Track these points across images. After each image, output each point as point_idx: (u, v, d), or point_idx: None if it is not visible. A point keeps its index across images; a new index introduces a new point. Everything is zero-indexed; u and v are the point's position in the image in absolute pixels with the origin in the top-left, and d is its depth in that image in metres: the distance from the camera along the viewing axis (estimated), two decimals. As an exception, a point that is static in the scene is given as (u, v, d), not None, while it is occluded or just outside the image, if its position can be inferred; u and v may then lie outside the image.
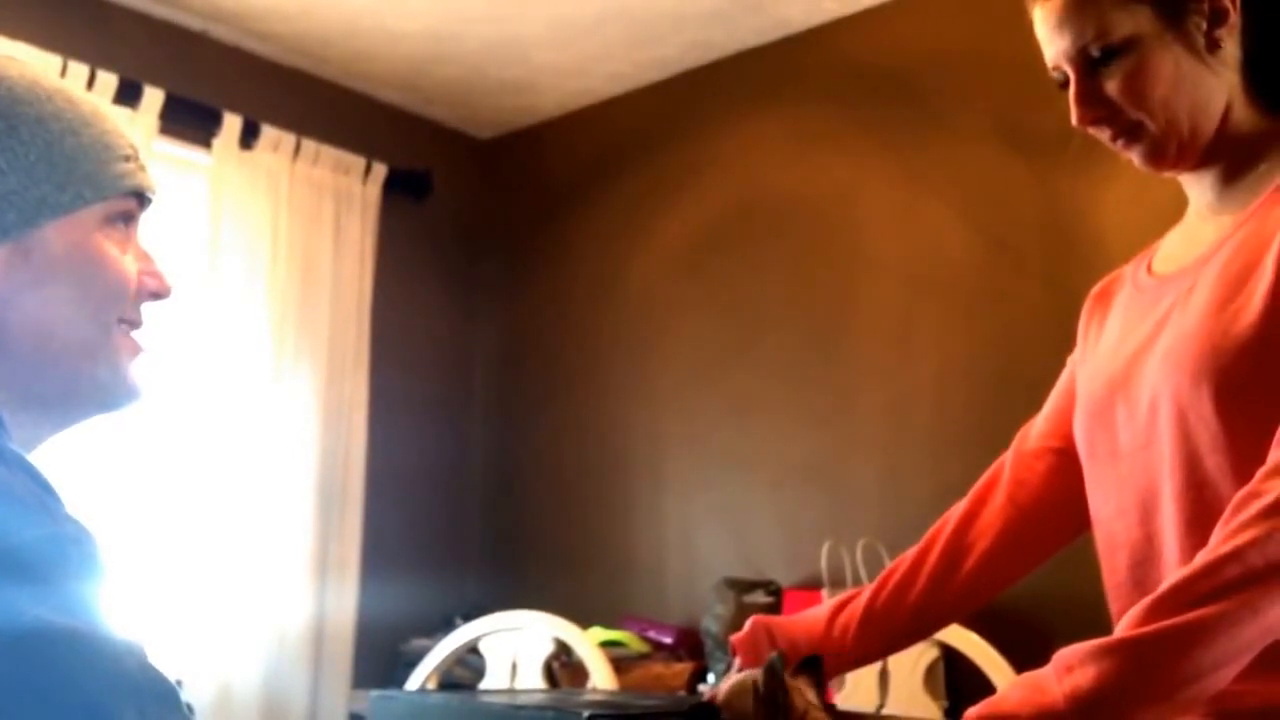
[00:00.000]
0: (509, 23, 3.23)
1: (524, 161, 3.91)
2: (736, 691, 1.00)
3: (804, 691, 1.02)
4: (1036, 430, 1.38)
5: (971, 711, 0.93)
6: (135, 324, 0.97)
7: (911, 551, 1.36)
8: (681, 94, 3.49)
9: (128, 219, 0.97)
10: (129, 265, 0.96)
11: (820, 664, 1.07)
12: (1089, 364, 1.28)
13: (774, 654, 0.99)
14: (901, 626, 1.34)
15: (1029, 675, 0.95)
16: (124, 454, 2.93)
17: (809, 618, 1.34)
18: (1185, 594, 0.91)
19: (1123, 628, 0.93)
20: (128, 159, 0.97)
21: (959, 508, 1.37)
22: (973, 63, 2.87)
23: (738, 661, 1.30)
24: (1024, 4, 1.21)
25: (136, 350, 0.97)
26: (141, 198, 0.98)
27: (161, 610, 2.98)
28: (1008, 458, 1.38)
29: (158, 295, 0.99)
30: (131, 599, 2.84)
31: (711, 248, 3.32)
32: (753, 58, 3.33)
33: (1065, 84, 1.18)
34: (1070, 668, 0.91)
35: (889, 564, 1.38)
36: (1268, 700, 1.02)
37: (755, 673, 1.00)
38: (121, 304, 0.95)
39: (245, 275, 3.18)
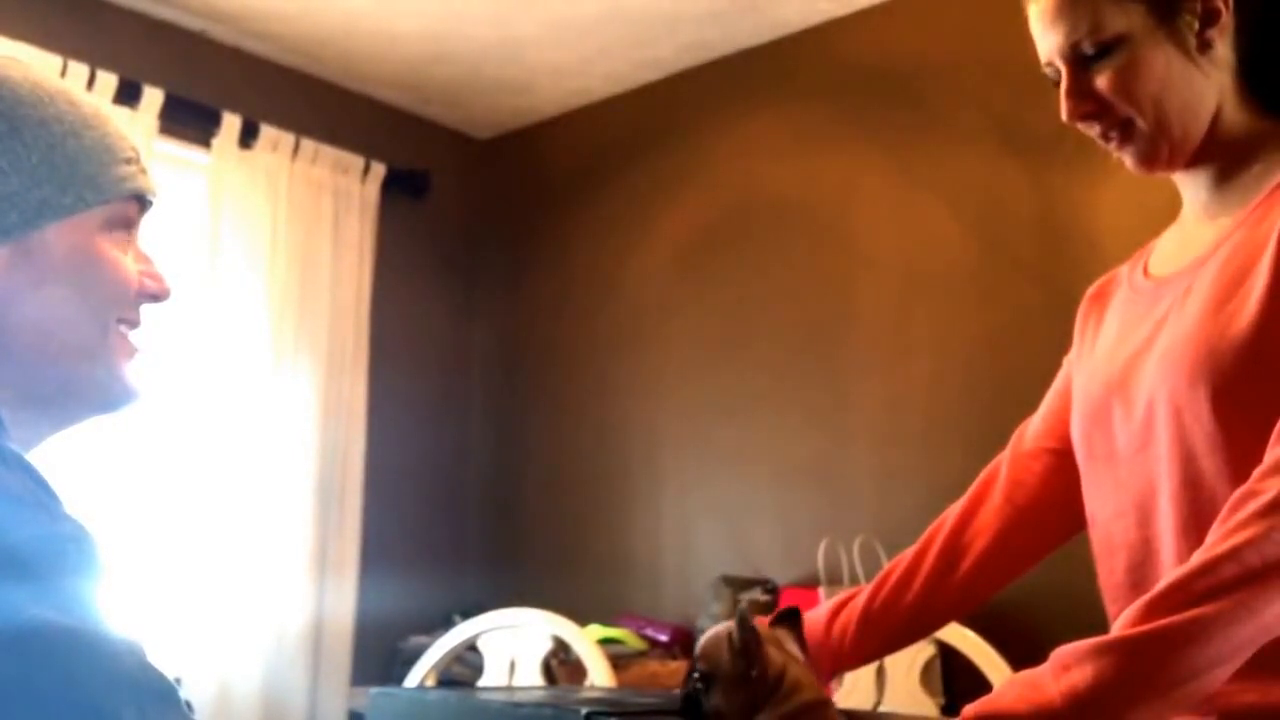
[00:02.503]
0: (507, 23, 3.23)
1: (522, 161, 3.92)
2: (713, 643, 0.98)
3: (784, 643, 0.99)
4: (1033, 431, 1.38)
5: (968, 709, 0.94)
6: (134, 324, 0.98)
7: (909, 552, 1.36)
8: (678, 94, 3.49)
9: (128, 221, 0.97)
10: (129, 267, 0.97)
11: (799, 616, 1.03)
12: (1086, 365, 1.28)
13: (742, 605, 0.97)
14: (899, 627, 1.34)
15: (1026, 673, 0.95)
16: (124, 453, 2.93)
17: (808, 619, 1.34)
18: (1182, 593, 0.92)
19: (1120, 626, 0.93)
20: (129, 161, 0.97)
21: (956, 508, 1.37)
22: (968, 63, 2.88)
23: None
24: (1018, 3, 1.22)
25: (133, 352, 0.97)
26: (142, 200, 0.99)
27: (161, 608, 2.98)
28: (1004, 458, 1.38)
29: (157, 297, 0.99)
30: (130, 597, 2.85)
31: (708, 247, 3.33)
32: (749, 58, 3.33)
33: (1057, 80, 1.19)
34: (1067, 666, 0.91)
35: (886, 562, 1.38)
36: (1263, 699, 1.03)
37: (730, 624, 0.98)
38: (121, 305, 0.96)
39: (245, 274, 3.19)
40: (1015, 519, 1.34)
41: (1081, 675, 0.90)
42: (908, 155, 2.98)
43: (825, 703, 0.98)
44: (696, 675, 0.97)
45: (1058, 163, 2.67)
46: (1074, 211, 2.67)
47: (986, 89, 2.84)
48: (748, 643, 0.95)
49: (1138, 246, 1.32)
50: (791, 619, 1.03)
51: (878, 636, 1.33)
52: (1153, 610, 0.92)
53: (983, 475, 1.39)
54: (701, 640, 1.00)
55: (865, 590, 1.35)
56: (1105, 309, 1.30)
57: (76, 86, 0.97)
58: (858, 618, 1.32)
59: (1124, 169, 1.21)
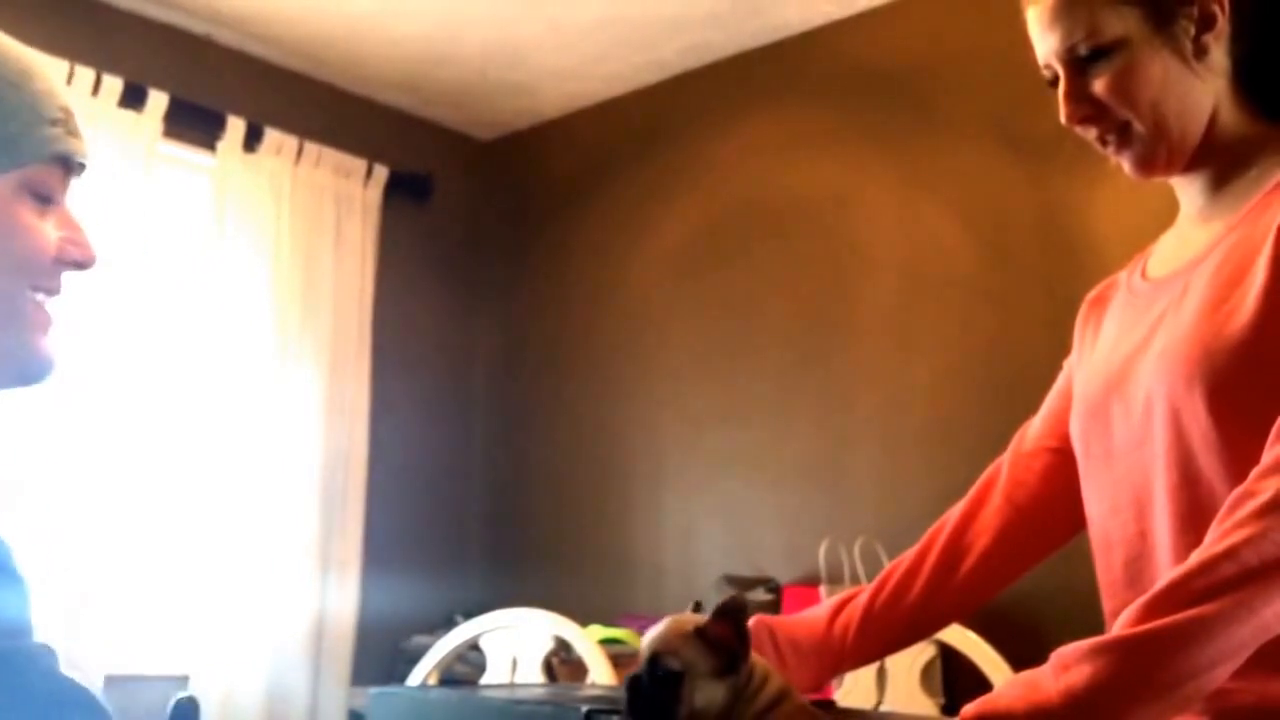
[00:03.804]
0: (509, 26, 3.24)
1: (524, 163, 3.92)
2: (678, 639, 0.91)
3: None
4: (1034, 431, 1.38)
5: (968, 709, 0.94)
6: (52, 293, 0.94)
7: (910, 552, 1.36)
8: (680, 96, 3.50)
9: (51, 185, 0.93)
10: (47, 233, 0.92)
11: (743, 614, 0.92)
12: (1086, 366, 1.29)
13: (721, 596, 0.89)
14: (901, 627, 1.34)
15: (1025, 673, 0.95)
16: (128, 453, 2.93)
17: (809, 618, 1.35)
18: (1181, 592, 0.92)
19: (1119, 626, 0.93)
20: (54, 123, 0.93)
21: (957, 508, 1.37)
22: (970, 65, 2.89)
23: None
24: (1019, 5, 1.23)
25: (49, 322, 0.93)
26: (69, 163, 0.95)
27: (165, 608, 2.99)
28: (1005, 458, 1.38)
29: (80, 265, 0.95)
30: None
31: (710, 248, 3.34)
32: (750, 60, 3.34)
33: (1055, 82, 1.20)
34: (1066, 666, 0.91)
35: (887, 562, 1.39)
36: (1263, 698, 1.03)
37: (693, 616, 0.94)
38: (35, 273, 0.92)
39: (248, 277, 3.20)
40: (1016, 519, 1.34)
41: (1080, 675, 0.90)
42: (909, 157, 2.98)
43: (792, 690, 0.98)
44: (661, 674, 0.91)
45: (1058, 164, 2.68)
46: (1074, 213, 2.68)
47: (987, 91, 2.85)
48: (731, 638, 0.91)
49: (1138, 248, 1.33)
50: (731, 613, 0.94)
51: (879, 637, 1.33)
52: (1151, 610, 0.92)
53: (984, 476, 1.39)
54: (656, 635, 0.93)
55: (866, 590, 1.35)
56: (1104, 313, 1.31)
57: (11, 42, 0.90)
58: (859, 618, 1.32)
59: (1123, 171, 1.22)
